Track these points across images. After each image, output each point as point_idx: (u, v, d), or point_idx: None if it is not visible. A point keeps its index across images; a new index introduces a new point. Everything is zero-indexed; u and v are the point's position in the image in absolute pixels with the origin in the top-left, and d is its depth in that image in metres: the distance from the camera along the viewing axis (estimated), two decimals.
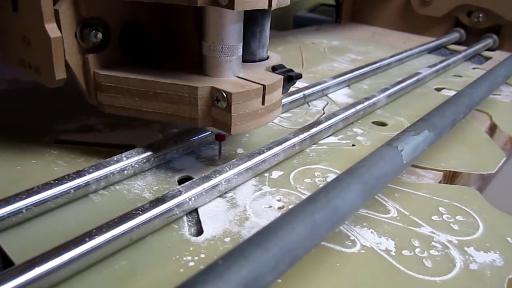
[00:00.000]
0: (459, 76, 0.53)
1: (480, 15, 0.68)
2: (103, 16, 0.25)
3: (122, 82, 0.25)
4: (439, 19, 0.73)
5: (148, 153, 0.27)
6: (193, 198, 0.23)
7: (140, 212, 0.21)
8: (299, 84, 0.41)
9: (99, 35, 0.25)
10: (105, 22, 0.25)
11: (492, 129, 0.40)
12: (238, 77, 0.26)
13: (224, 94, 0.24)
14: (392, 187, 0.28)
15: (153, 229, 0.22)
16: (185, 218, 0.23)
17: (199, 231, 0.23)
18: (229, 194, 0.26)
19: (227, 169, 0.25)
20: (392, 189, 0.27)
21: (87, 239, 0.19)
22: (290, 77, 0.27)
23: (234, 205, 0.25)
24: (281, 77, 0.27)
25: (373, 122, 0.38)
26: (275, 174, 0.28)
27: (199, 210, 0.24)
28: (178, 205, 0.22)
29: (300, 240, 0.17)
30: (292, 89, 0.39)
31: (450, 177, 0.32)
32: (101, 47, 0.26)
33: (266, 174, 0.28)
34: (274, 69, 0.27)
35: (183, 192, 0.23)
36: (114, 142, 0.31)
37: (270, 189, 0.27)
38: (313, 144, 0.32)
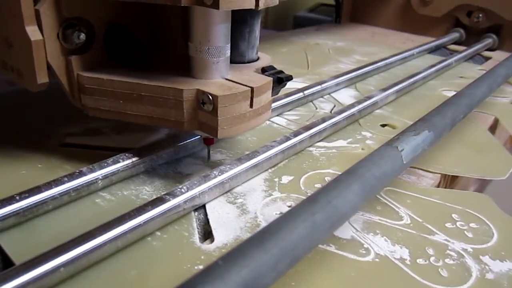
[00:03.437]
0: (462, 77, 0.53)
1: (480, 15, 0.68)
2: (86, 16, 0.24)
3: (106, 84, 0.24)
4: (439, 19, 0.73)
5: (148, 154, 0.27)
6: (196, 196, 0.23)
7: (140, 212, 0.21)
8: (304, 85, 0.41)
9: (82, 36, 0.24)
10: (88, 23, 0.24)
11: (492, 129, 0.40)
12: (226, 79, 0.25)
13: (210, 97, 0.23)
14: (404, 192, 0.27)
15: (155, 228, 0.22)
16: (195, 225, 0.23)
17: (209, 238, 0.22)
18: (239, 200, 0.25)
19: (229, 168, 0.25)
20: (404, 195, 0.27)
21: (87, 239, 0.19)
22: (280, 79, 0.26)
23: (244, 211, 0.24)
24: (270, 79, 0.26)
25: (381, 125, 0.37)
26: (285, 179, 0.28)
27: (209, 217, 0.23)
28: (178, 205, 0.22)
29: (300, 240, 0.17)
30: (297, 91, 0.39)
31: (450, 178, 0.32)
32: (84, 48, 0.25)
33: (276, 179, 0.27)
34: (263, 70, 0.26)
35: (184, 191, 0.23)
36: (120, 145, 0.30)
37: (280, 194, 0.26)
38: (322, 148, 0.32)
